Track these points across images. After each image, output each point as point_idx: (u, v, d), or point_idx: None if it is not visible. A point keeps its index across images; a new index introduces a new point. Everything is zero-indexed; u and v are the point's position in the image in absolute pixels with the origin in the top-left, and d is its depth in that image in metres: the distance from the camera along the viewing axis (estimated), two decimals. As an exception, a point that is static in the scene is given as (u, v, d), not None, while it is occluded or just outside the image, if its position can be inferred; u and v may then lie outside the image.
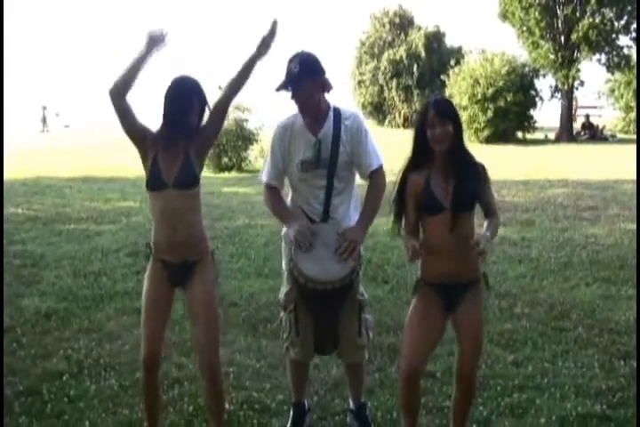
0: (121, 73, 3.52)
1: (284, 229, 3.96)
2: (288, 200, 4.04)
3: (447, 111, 3.39)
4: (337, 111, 3.87)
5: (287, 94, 3.80)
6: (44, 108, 41.41)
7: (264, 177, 3.99)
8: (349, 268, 3.66)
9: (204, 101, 3.63)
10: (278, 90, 3.77)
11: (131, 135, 3.62)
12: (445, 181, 3.41)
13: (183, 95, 3.56)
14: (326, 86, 3.83)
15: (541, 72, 29.53)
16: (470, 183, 3.40)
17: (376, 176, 3.91)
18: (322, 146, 3.81)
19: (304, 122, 3.86)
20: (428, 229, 3.47)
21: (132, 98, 3.57)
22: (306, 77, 3.71)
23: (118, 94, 3.52)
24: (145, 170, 3.66)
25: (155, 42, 3.56)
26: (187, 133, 3.59)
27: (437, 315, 3.51)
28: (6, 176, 15.49)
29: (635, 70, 28.39)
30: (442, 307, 3.49)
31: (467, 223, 3.42)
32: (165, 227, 3.61)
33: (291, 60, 3.75)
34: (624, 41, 30.68)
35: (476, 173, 3.45)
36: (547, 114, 30.13)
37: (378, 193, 3.91)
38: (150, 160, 3.60)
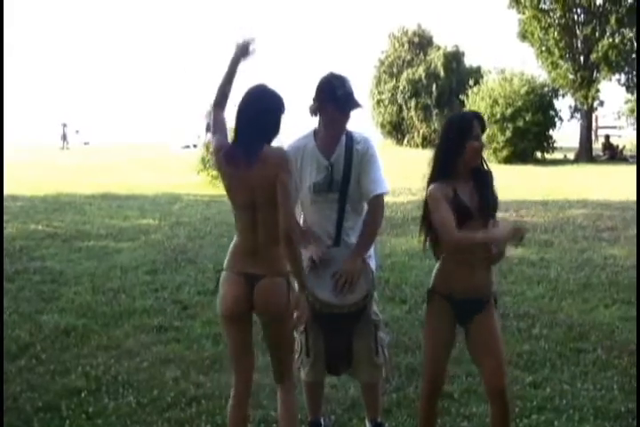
0: (218, 87, 3.47)
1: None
2: (300, 222, 4.05)
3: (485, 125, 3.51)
4: (349, 135, 3.90)
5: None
6: (65, 125, 41.80)
7: None
8: (364, 291, 3.71)
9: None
10: (317, 107, 3.79)
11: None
12: (470, 191, 3.47)
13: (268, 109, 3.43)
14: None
15: (561, 92, 29.40)
16: (492, 191, 3.51)
17: (374, 202, 3.91)
18: (334, 169, 3.85)
19: (316, 144, 3.89)
20: None
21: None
22: (355, 100, 3.77)
23: (219, 107, 3.45)
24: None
25: (242, 52, 3.52)
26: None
27: (448, 324, 3.55)
28: (27, 193, 15.72)
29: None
30: (453, 317, 3.53)
31: None
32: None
33: (335, 81, 3.74)
34: (644, 61, 30.58)
35: (492, 179, 3.55)
36: (566, 134, 30.04)
37: (375, 219, 3.93)
38: None
